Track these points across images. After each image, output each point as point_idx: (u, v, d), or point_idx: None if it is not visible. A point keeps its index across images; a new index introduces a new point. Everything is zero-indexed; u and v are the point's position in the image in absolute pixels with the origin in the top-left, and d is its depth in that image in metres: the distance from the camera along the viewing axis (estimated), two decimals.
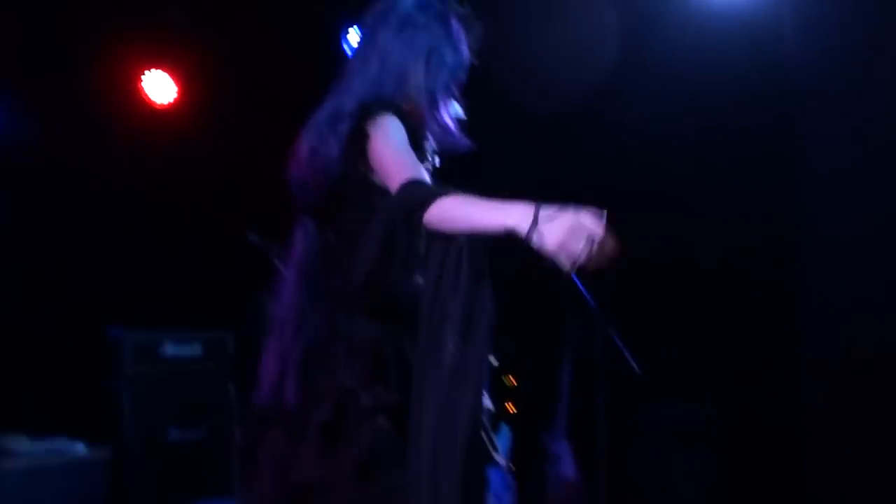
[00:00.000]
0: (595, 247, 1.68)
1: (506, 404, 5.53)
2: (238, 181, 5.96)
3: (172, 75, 6.02)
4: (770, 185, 4.82)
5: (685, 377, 5.01)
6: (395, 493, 1.91)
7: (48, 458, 4.99)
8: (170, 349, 5.77)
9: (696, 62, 4.80)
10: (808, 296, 4.58)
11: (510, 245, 1.79)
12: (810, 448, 4.48)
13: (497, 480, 4.71)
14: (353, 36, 5.23)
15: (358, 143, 1.99)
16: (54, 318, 5.47)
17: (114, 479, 5.26)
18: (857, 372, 4.29)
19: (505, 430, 5.24)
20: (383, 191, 1.97)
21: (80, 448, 5.17)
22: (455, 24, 2.19)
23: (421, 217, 1.79)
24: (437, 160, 2.20)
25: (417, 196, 1.83)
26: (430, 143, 2.16)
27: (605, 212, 1.71)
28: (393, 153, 1.96)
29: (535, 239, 1.71)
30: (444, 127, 2.16)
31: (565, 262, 1.69)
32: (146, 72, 5.94)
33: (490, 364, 1.86)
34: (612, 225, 1.69)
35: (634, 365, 4.26)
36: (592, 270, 1.71)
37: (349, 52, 4.69)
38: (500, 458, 5.12)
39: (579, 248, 1.68)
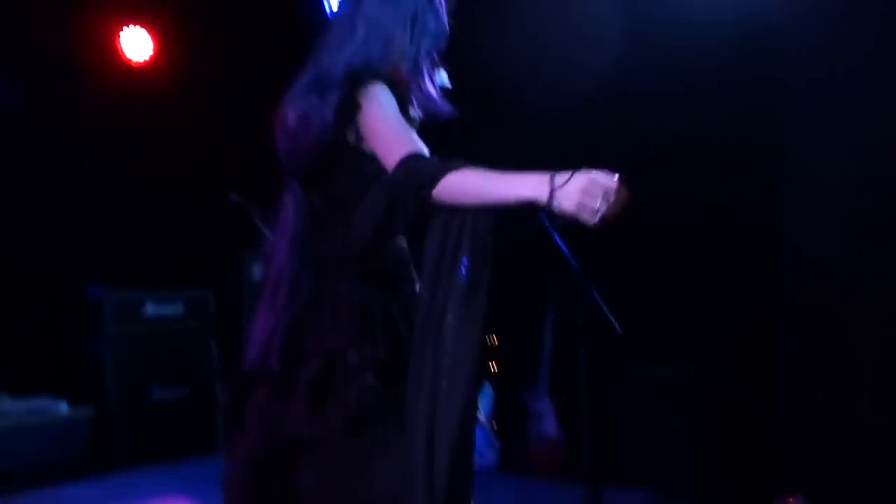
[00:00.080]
0: (611, 200, 1.78)
1: (488, 363, 5.56)
2: (218, 140, 5.91)
3: (150, 32, 5.95)
4: (752, 150, 4.82)
5: (666, 337, 5.04)
6: (383, 448, 1.94)
7: (31, 417, 5.01)
8: (151, 308, 5.77)
9: (682, 18, 4.78)
10: (789, 257, 4.60)
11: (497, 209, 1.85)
12: (787, 406, 4.53)
13: (480, 438, 4.75)
14: None
15: (349, 112, 1.99)
16: (35, 278, 5.44)
17: (96, 438, 5.27)
18: (835, 332, 4.33)
19: (487, 388, 5.27)
20: (373, 157, 1.97)
21: (62, 407, 5.18)
22: None
23: (431, 192, 1.82)
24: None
25: (427, 171, 1.85)
26: (416, 111, 2.15)
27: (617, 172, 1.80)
28: (388, 125, 1.96)
29: (554, 205, 1.78)
30: (428, 94, 2.16)
31: (587, 219, 1.78)
32: (124, 28, 5.86)
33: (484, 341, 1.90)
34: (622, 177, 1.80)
35: (616, 324, 4.28)
36: (611, 220, 1.80)
37: (330, 13, 4.64)
38: (483, 417, 5.17)
39: (597, 204, 1.77)
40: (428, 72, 2.16)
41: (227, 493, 2.09)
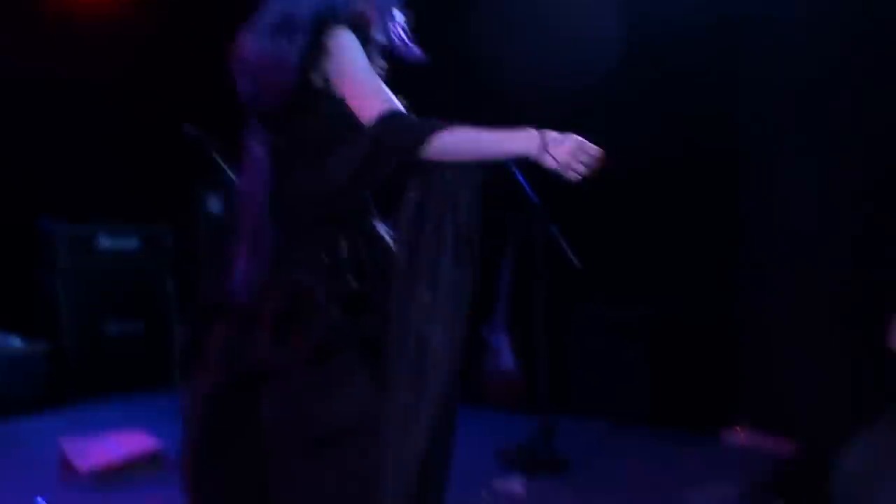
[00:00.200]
0: (590, 165, 1.95)
1: None
2: (174, 71, 5.79)
3: None
4: (714, 95, 4.84)
5: (624, 274, 5.09)
6: (348, 377, 1.97)
7: None
8: (105, 242, 5.71)
9: None
10: (748, 201, 4.64)
11: None
12: (736, 340, 4.61)
13: None
14: None
15: (317, 56, 1.97)
16: None
17: (52, 373, 5.24)
18: (786, 271, 4.40)
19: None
20: (341, 101, 1.99)
21: (16, 341, 5.13)
22: None
23: (423, 151, 1.88)
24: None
25: (414, 130, 1.90)
26: (380, 59, 2.14)
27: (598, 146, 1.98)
28: (359, 74, 1.97)
29: (542, 160, 1.93)
30: (393, 37, 2.16)
31: (568, 177, 1.95)
32: None
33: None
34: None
35: (573, 259, 4.31)
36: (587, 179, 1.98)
37: None
38: None
39: (580, 167, 1.94)
40: (393, 16, 2.16)
41: (189, 427, 2.10)
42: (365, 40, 2.05)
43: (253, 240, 2.05)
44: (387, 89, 1.98)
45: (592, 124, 4.74)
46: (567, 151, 1.92)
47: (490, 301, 5.35)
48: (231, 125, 2.28)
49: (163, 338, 5.77)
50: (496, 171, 4.35)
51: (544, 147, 1.91)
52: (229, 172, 3.65)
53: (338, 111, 1.99)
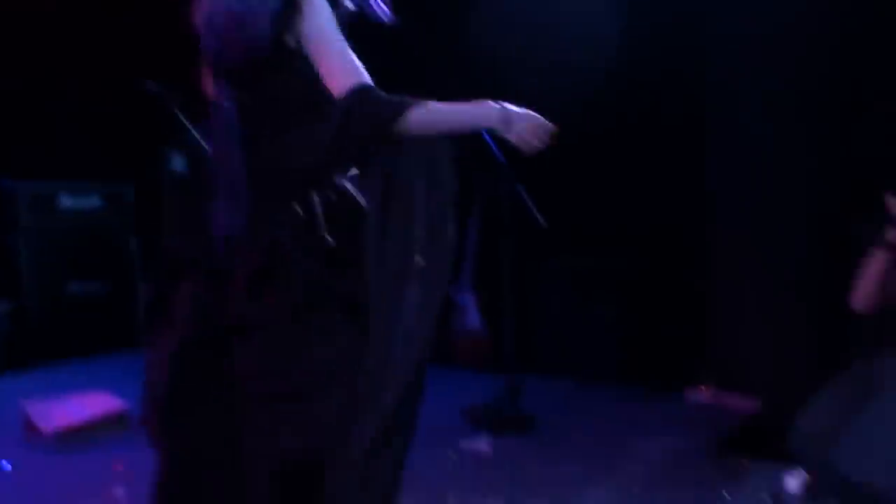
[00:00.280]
0: (545, 141, 2.08)
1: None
2: (135, 24, 5.68)
3: None
4: (681, 52, 4.83)
5: (590, 233, 5.10)
6: (326, 333, 1.98)
7: None
8: (67, 201, 5.63)
9: None
10: (714, 161, 4.65)
11: None
12: (709, 304, 4.64)
13: None
14: None
15: (290, 17, 1.97)
16: None
17: (13, 333, 5.19)
18: (756, 235, 4.42)
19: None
20: (309, 61, 2.00)
21: None
22: None
23: (398, 126, 1.93)
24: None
25: (388, 106, 1.94)
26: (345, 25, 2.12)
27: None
28: (332, 42, 1.99)
29: (505, 134, 2.04)
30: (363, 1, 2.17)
31: (525, 150, 2.07)
32: None
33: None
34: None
35: (539, 218, 4.31)
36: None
37: None
38: None
39: (536, 142, 2.06)
40: None
41: (152, 384, 2.08)
42: (334, 3, 2.05)
43: (232, 196, 2.04)
44: (357, 60, 1.99)
45: (561, 83, 4.76)
46: (528, 129, 2.04)
47: (456, 260, 5.35)
48: (193, 81, 2.23)
49: (126, 298, 5.72)
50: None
51: (507, 122, 2.01)
52: (192, 129, 3.60)
53: (309, 71, 2.00)
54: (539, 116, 2.07)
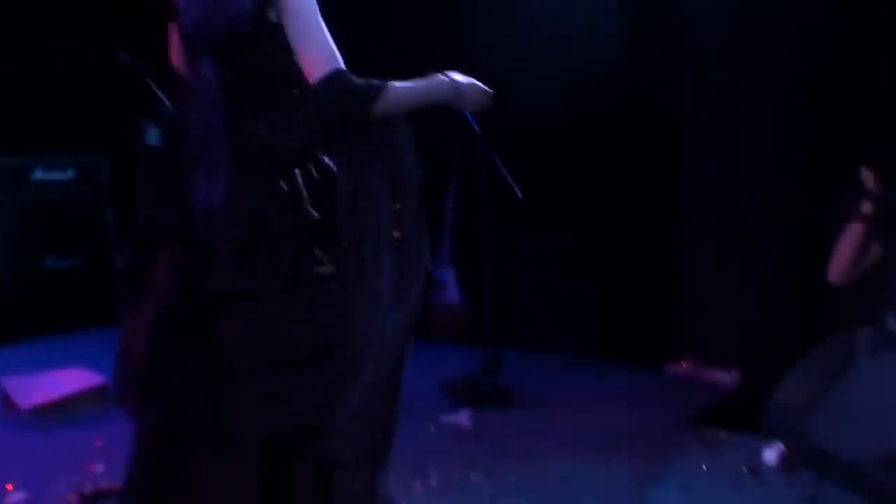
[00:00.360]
0: (489, 104, 2.24)
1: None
2: None
3: None
4: (656, 32, 4.83)
5: (568, 208, 5.10)
6: (314, 307, 2.01)
7: None
8: (40, 174, 5.56)
9: None
10: (691, 138, 4.66)
11: None
12: (687, 278, 4.66)
13: None
14: None
15: None
16: None
17: None
18: (734, 208, 4.44)
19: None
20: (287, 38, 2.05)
21: None
22: None
23: (374, 109, 2.02)
24: None
25: (364, 90, 2.02)
26: None
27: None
28: (312, 22, 2.04)
29: (459, 106, 2.21)
30: None
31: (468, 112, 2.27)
32: None
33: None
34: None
35: (516, 190, 4.30)
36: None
37: None
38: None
39: (482, 105, 2.23)
40: None
41: (129, 356, 2.07)
42: None
43: (213, 170, 2.04)
44: (332, 42, 2.04)
45: (541, 65, 4.74)
46: (475, 97, 2.20)
47: (435, 234, 5.34)
48: (166, 52, 2.22)
49: (103, 271, 5.67)
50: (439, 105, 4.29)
51: (458, 92, 2.16)
52: (165, 100, 3.56)
53: (287, 44, 2.04)
54: (480, 84, 2.21)
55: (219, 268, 1.99)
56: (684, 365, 4.55)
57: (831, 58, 4.28)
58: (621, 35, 4.85)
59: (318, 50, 2.02)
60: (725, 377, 4.38)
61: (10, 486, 3.15)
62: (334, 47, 2.04)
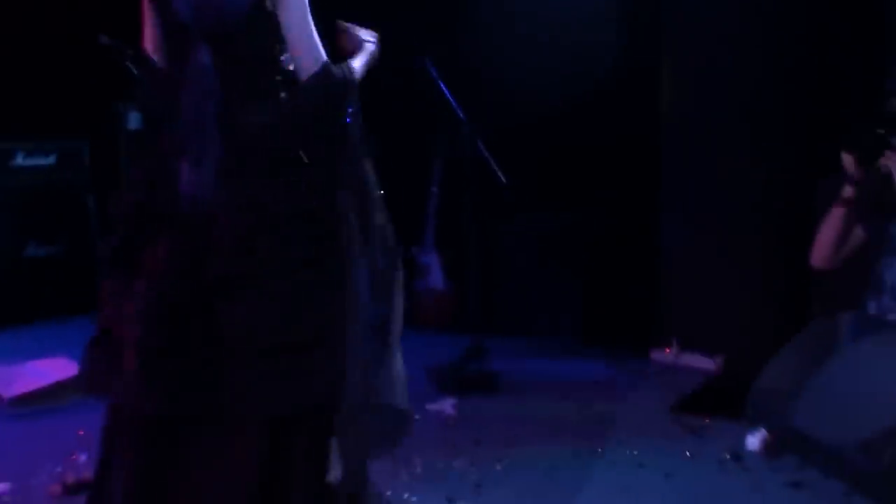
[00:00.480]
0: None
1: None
2: None
3: None
4: (638, 20, 4.83)
5: (551, 195, 5.11)
6: (321, 290, 2.06)
7: None
8: (21, 160, 5.51)
9: None
10: (671, 125, 4.66)
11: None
12: (672, 265, 4.66)
13: None
14: None
15: None
16: None
17: None
18: (717, 195, 4.44)
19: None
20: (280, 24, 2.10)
21: None
22: None
23: (351, 98, 2.17)
24: None
25: (348, 78, 2.16)
26: None
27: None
28: (304, 16, 2.10)
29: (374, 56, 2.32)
30: None
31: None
32: None
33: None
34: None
35: (500, 176, 4.30)
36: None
37: None
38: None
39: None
40: None
41: (113, 344, 2.07)
42: None
43: (203, 157, 2.06)
44: (317, 37, 2.12)
45: (522, 50, 4.73)
46: (376, 55, 2.31)
47: (419, 220, 5.33)
48: (184, 53, 2.21)
49: (85, 259, 5.63)
50: (423, 90, 4.32)
51: (375, 53, 2.29)
52: (144, 84, 3.53)
53: (282, 34, 2.10)
54: (371, 31, 2.34)
55: (221, 251, 2.01)
56: (668, 351, 4.56)
57: (811, 44, 4.28)
58: (604, 23, 4.84)
59: (310, 43, 2.10)
60: (709, 363, 4.40)
61: None
62: (319, 42, 2.12)
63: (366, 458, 2.19)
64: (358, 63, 2.22)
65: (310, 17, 2.11)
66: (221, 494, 2.03)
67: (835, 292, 3.48)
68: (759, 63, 4.31)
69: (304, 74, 2.10)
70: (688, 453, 3.38)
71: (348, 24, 2.33)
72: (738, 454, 3.28)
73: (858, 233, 2.96)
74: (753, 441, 3.26)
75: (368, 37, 2.31)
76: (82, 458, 3.27)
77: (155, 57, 2.18)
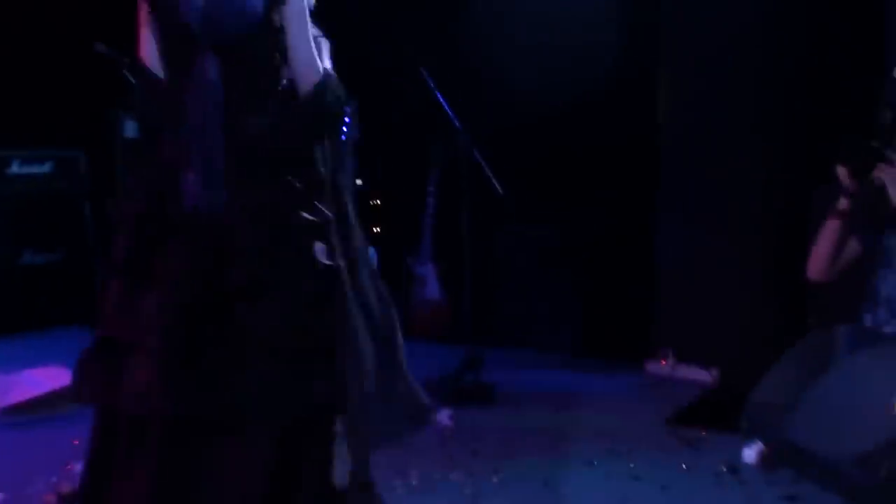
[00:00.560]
0: None
1: (372, 227, 5.54)
2: None
3: None
4: (635, 27, 4.84)
5: (548, 207, 5.11)
6: (337, 294, 2.12)
7: None
8: (17, 168, 5.50)
9: None
10: (669, 137, 4.67)
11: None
12: (668, 276, 4.67)
13: None
14: None
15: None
16: None
17: None
18: (713, 206, 4.45)
19: (371, 252, 5.26)
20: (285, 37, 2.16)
21: None
22: None
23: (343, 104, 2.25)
24: None
25: (341, 86, 2.21)
26: None
27: None
28: (306, 30, 2.16)
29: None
30: None
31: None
32: None
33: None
34: None
35: (497, 186, 4.30)
36: None
37: None
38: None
39: None
40: None
41: (135, 347, 2.06)
42: None
43: (208, 168, 2.09)
44: (314, 48, 2.17)
45: (520, 59, 4.74)
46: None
47: (416, 230, 5.33)
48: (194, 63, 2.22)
49: (81, 267, 5.62)
50: (419, 100, 4.32)
51: (322, 40, 2.25)
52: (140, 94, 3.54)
53: (284, 47, 2.15)
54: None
55: (243, 259, 2.06)
56: (664, 363, 4.56)
57: (808, 55, 4.29)
58: (605, 35, 4.84)
59: (310, 56, 2.15)
60: (705, 375, 4.40)
61: None
62: (317, 54, 2.18)
63: (375, 450, 2.25)
64: (328, 63, 2.25)
65: (309, 32, 2.16)
66: (237, 495, 2.07)
67: (831, 305, 3.48)
68: (759, 68, 4.32)
69: (304, 84, 2.15)
70: (684, 466, 3.37)
71: None
72: (735, 467, 3.28)
73: (854, 245, 2.96)
74: (750, 454, 3.26)
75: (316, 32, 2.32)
76: (77, 467, 3.24)
77: (152, 65, 2.19)
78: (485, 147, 4.32)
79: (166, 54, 2.18)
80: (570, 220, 5.08)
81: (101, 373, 2.11)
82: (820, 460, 2.65)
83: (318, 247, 2.12)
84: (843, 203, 2.90)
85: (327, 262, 2.12)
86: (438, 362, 4.43)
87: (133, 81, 2.99)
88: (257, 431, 2.07)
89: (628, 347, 4.69)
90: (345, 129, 4.39)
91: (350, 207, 2.25)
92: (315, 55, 2.16)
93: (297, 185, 2.14)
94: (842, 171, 2.90)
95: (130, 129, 5.59)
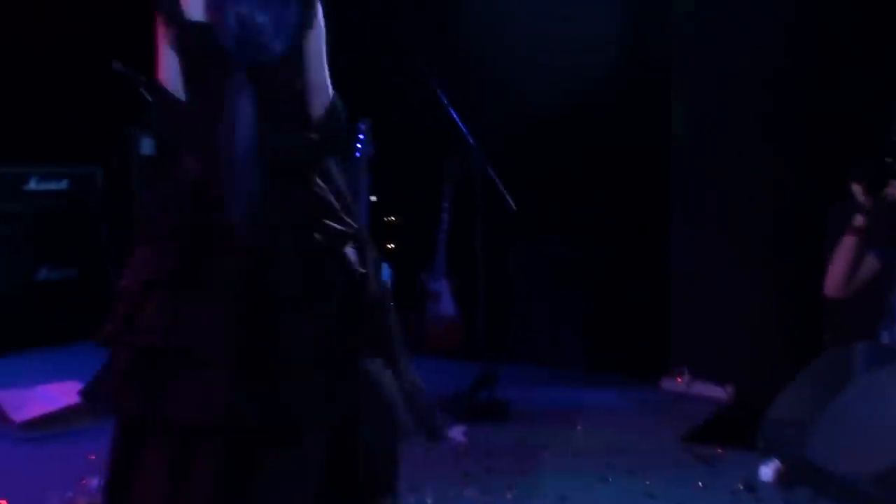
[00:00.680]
0: None
1: (386, 243, 5.55)
2: (103, 4, 5.58)
3: None
4: (646, 42, 4.85)
5: (562, 222, 5.10)
6: (376, 308, 2.23)
7: None
8: (34, 184, 5.53)
9: None
10: (682, 153, 4.67)
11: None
12: (682, 293, 4.66)
13: None
14: None
15: (306, 30, 2.21)
16: None
17: None
18: (731, 218, 4.44)
19: (385, 268, 5.27)
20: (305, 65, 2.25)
21: None
22: None
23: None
24: None
25: (343, 122, 2.33)
26: None
27: None
28: (323, 59, 2.27)
29: None
30: None
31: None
32: None
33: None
34: None
35: (510, 203, 4.31)
36: None
37: None
38: None
39: None
40: None
41: (189, 358, 2.06)
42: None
43: (233, 184, 2.12)
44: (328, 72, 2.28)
45: (533, 73, 4.74)
46: None
47: (430, 246, 5.34)
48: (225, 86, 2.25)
49: (97, 284, 5.64)
50: (433, 116, 4.32)
51: None
52: (159, 111, 3.57)
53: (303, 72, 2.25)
54: None
55: (286, 269, 2.12)
56: (680, 380, 4.55)
57: (823, 70, 4.28)
58: (616, 46, 4.85)
59: (324, 78, 2.27)
60: (720, 393, 4.38)
61: (3, 502, 3.14)
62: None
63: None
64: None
65: (325, 61, 2.26)
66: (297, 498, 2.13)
67: (847, 322, 3.47)
68: (774, 95, 4.32)
69: (318, 106, 2.26)
70: (700, 484, 3.35)
71: None
72: (752, 485, 3.26)
73: (871, 262, 2.95)
74: (767, 472, 3.24)
75: None
76: (93, 482, 3.26)
77: (172, 85, 2.21)
78: (497, 162, 4.32)
79: (192, 75, 2.20)
80: (584, 236, 5.08)
81: (143, 384, 2.09)
82: (838, 479, 2.63)
83: (352, 254, 2.21)
84: (858, 220, 2.90)
85: (361, 270, 2.21)
86: (453, 379, 4.42)
87: (150, 99, 3.05)
88: (312, 438, 2.12)
89: (643, 364, 4.67)
90: (359, 145, 4.40)
91: (362, 223, 2.32)
92: (326, 77, 2.26)
93: (327, 197, 2.22)
94: (856, 188, 2.90)
95: (147, 146, 5.63)
